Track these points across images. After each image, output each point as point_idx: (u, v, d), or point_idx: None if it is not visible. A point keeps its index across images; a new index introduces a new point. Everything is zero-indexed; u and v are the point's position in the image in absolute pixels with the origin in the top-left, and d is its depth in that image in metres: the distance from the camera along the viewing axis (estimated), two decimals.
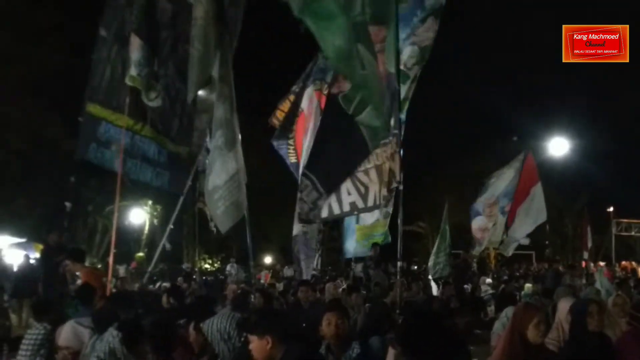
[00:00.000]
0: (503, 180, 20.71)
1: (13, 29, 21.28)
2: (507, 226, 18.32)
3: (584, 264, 29.26)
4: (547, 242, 38.25)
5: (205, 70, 8.73)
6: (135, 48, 9.86)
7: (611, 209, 34.68)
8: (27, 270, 16.76)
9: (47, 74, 23.19)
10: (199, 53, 8.61)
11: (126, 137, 10.23)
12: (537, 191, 18.50)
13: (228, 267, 28.56)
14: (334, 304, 5.80)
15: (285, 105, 12.32)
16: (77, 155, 10.52)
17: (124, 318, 6.47)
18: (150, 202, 33.04)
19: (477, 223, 20.03)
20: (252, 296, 9.85)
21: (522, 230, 18.65)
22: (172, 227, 12.02)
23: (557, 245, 38.50)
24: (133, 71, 9.83)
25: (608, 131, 35.87)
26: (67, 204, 10.15)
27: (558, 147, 26.71)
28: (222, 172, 8.54)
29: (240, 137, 8.83)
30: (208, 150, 10.21)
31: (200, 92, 9.59)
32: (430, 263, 18.50)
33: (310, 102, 11.61)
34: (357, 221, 13.09)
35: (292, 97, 12.18)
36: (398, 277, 8.35)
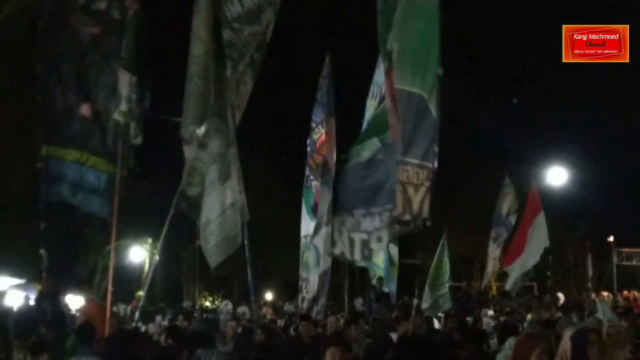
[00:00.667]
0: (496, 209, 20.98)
1: (12, 70, 21.44)
2: (508, 263, 18.49)
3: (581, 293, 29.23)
4: (548, 273, 38.12)
5: (203, 105, 8.80)
6: (125, 83, 9.88)
7: (611, 238, 34.62)
8: (26, 311, 16.70)
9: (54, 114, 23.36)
10: (198, 89, 8.69)
11: (75, 170, 10.21)
12: (540, 220, 18.66)
13: (221, 306, 28.43)
14: (337, 338, 5.66)
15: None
16: (41, 203, 10.46)
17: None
18: (150, 240, 32.98)
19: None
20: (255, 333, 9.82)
21: (529, 262, 18.78)
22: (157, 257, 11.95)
23: (559, 275, 38.31)
24: (123, 106, 9.85)
25: (607, 160, 35.99)
26: (42, 252, 10.07)
27: (556, 176, 26.75)
28: (215, 206, 8.57)
29: (238, 170, 8.86)
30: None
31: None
32: (427, 300, 18.32)
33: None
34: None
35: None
36: (413, 313, 8.43)
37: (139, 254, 33.23)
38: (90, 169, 10.29)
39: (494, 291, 31.38)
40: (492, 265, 22.54)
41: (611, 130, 36.75)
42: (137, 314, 13.55)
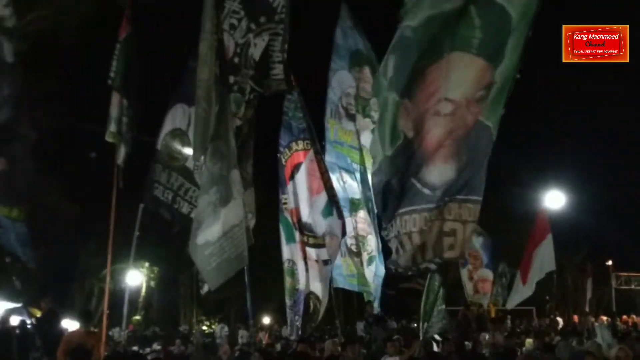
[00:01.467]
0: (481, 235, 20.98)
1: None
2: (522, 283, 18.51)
3: (575, 318, 29.14)
4: (547, 297, 37.97)
5: (209, 129, 8.80)
6: (115, 105, 9.89)
7: (610, 262, 34.58)
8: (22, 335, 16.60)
9: (47, 139, 23.34)
10: (205, 113, 8.70)
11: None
12: (547, 242, 18.71)
13: (217, 330, 28.27)
14: None
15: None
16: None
17: None
18: (147, 264, 32.89)
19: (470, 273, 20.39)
20: (252, 356, 9.76)
21: (533, 282, 18.79)
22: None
23: (557, 299, 38.18)
24: (113, 127, 9.86)
25: (605, 184, 36.10)
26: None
27: (554, 200, 26.74)
28: (215, 228, 8.53)
29: (241, 193, 8.86)
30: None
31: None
32: (422, 324, 18.22)
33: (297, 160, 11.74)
34: (343, 254, 12.90)
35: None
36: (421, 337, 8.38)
37: (135, 278, 33.07)
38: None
39: (492, 314, 31.25)
40: (470, 289, 22.55)
41: (610, 154, 36.91)
42: (123, 338, 13.47)
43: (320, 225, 11.25)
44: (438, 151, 7.16)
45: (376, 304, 13.87)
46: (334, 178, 12.22)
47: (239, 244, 8.66)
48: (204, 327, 38.52)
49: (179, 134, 10.60)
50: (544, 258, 18.62)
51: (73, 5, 20.39)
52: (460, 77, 7.10)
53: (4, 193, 9.53)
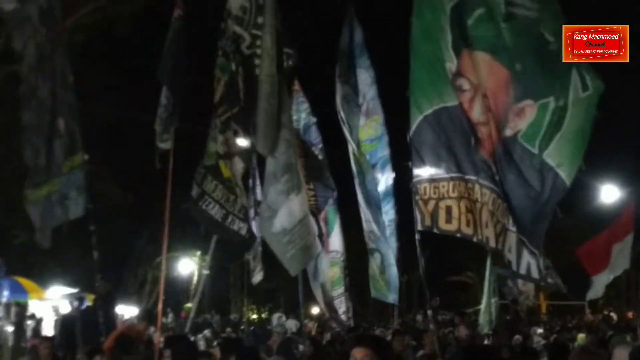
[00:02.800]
0: None
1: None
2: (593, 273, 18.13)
3: (629, 314, 28.52)
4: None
5: (276, 122, 8.92)
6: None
7: None
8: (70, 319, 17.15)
9: (100, 129, 23.89)
10: (272, 108, 8.79)
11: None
12: (629, 239, 18.36)
13: (273, 318, 28.51)
14: (362, 338, 4.46)
15: None
16: (42, 244, 10.33)
17: None
18: (198, 253, 33.39)
19: None
20: (301, 346, 9.87)
21: (604, 278, 18.47)
22: (206, 272, 12.00)
23: (611, 295, 37.49)
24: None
25: None
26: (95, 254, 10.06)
27: (609, 194, 26.20)
28: (289, 216, 8.61)
29: (304, 182, 9.00)
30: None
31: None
32: (481, 319, 18.26)
33: None
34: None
35: None
36: (431, 326, 8.38)
37: (187, 266, 33.62)
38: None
39: (543, 310, 30.92)
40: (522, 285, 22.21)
41: None
42: (188, 326, 13.68)
43: None
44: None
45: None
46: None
47: (311, 232, 8.79)
48: (254, 316, 39.03)
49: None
50: (620, 256, 18.23)
51: None
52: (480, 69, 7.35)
53: (69, 146, 9.81)
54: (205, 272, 11.73)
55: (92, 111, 24.01)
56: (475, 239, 7.28)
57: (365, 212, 11.95)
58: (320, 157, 12.24)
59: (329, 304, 12.11)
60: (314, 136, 12.41)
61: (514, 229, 7.19)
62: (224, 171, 10.27)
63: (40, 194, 9.70)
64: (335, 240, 12.39)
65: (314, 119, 12.62)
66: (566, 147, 7.06)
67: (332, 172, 11.48)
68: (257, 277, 11.64)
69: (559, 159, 7.02)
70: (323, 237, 12.10)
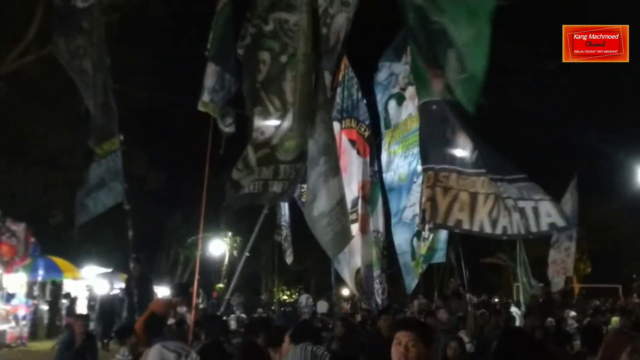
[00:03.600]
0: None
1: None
2: None
3: None
4: (634, 276, 36.86)
5: (315, 102, 8.93)
6: (210, 75, 9.96)
7: None
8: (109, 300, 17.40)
9: (133, 111, 24.11)
10: (309, 88, 8.80)
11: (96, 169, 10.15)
12: None
13: (301, 299, 28.68)
14: (408, 322, 4.37)
15: None
16: (78, 222, 10.42)
17: (206, 342, 6.68)
18: (230, 234, 33.62)
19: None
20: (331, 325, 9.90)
21: None
22: (247, 254, 12.05)
23: None
24: (205, 97, 9.93)
25: None
26: (130, 234, 10.22)
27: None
28: (328, 199, 8.63)
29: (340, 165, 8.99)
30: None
31: None
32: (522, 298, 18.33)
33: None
34: (413, 257, 12.84)
35: None
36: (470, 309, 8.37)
37: (219, 247, 33.87)
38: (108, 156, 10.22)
39: (576, 292, 30.64)
40: (553, 270, 21.88)
41: None
42: (222, 306, 13.81)
43: None
44: None
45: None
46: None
47: (347, 214, 8.79)
48: (285, 297, 39.29)
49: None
50: None
51: None
52: None
53: (101, 131, 9.94)
54: (247, 254, 11.66)
55: (124, 93, 24.27)
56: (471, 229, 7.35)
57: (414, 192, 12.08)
58: (366, 134, 12.27)
59: (361, 285, 12.12)
60: (362, 112, 12.38)
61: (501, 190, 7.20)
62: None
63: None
64: (377, 220, 12.39)
65: (361, 96, 12.59)
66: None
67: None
68: (289, 258, 11.72)
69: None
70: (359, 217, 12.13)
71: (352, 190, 11.79)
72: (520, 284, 17.04)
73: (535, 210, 6.92)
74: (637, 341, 4.57)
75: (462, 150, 7.52)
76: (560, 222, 6.89)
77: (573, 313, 20.09)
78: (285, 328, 8.39)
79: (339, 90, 12.24)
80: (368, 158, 12.32)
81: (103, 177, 10.00)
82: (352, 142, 12.17)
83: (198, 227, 11.19)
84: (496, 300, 32.65)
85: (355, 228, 11.59)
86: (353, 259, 12.08)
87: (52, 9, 11.08)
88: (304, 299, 26.76)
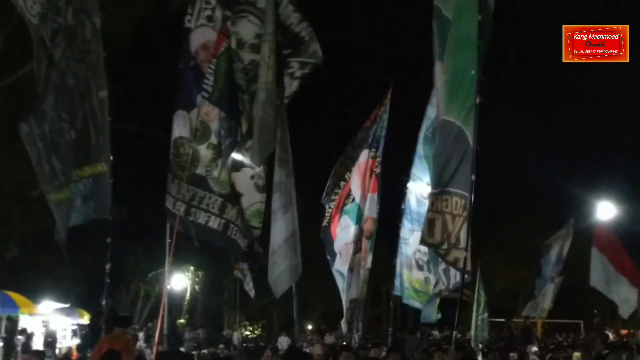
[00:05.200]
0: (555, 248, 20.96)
1: None
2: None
3: (624, 332, 28.51)
4: (595, 311, 37.16)
5: (272, 134, 8.85)
6: (214, 119, 9.84)
7: None
8: None
9: None
10: (269, 117, 8.75)
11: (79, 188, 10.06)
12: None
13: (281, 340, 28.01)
14: None
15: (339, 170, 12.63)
16: (59, 239, 10.26)
17: None
18: (192, 268, 33.16)
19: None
20: None
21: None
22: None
23: (607, 314, 37.37)
24: (214, 140, 9.82)
25: None
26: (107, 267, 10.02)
27: (605, 211, 26.16)
28: (277, 236, 8.60)
29: (295, 199, 8.92)
30: None
31: None
32: (471, 331, 18.41)
33: (363, 167, 11.93)
34: (408, 267, 12.88)
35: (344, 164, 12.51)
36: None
37: (180, 282, 33.35)
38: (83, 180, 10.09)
39: (538, 328, 30.78)
40: (546, 302, 22.42)
41: None
42: (186, 344, 13.56)
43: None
44: None
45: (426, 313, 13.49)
46: (414, 190, 12.39)
47: (298, 250, 8.72)
48: (247, 332, 38.75)
49: (184, 142, 10.34)
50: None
51: (126, 10, 20.71)
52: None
53: (85, 152, 9.76)
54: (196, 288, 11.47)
55: None
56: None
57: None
58: (378, 170, 12.43)
59: (351, 315, 12.12)
60: (381, 148, 12.52)
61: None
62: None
63: (62, 197, 9.67)
64: (371, 258, 12.48)
65: (386, 132, 12.70)
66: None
67: None
68: (252, 292, 11.51)
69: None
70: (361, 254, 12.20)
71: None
72: (478, 320, 17.11)
73: None
74: None
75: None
76: None
77: (535, 348, 20.16)
78: None
79: (379, 120, 12.38)
80: (376, 194, 12.38)
81: (87, 194, 9.84)
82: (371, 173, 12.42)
83: (160, 261, 11.00)
84: (459, 335, 32.62)
85: (357, 259, 11.64)
86: (351, 288, 12.03)
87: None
88: (284, 341, 26.18)
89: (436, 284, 11.59)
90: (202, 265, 31.96)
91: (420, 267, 12.38)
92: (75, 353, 20.56)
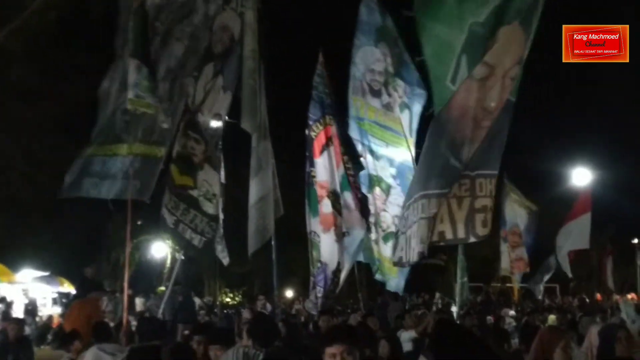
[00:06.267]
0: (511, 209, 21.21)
1: (40, 66, 21.65)
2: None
3: (599, 296, 29.07)
4: (571, 276, 37.73)
5: (258, 100, 8.91)
6: (133, 70, 9.84)
7: (636, 240, 34.24)
8: None
9: (73, 111, 23.53)
10: (255, 83, 8.82)
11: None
12: (585, 218, 18.95)
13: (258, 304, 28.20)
14: (339, 334, 3.92)
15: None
16: (64, 194, 10.32)
17: (136, 346, 6.62)
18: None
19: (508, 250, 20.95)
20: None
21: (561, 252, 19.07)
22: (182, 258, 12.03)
23: (582, 278, 37.98)
24: (131, 94, 9.81)
25: (632, 162, 35.70)
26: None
27: (581, 177, 26.50)
28: (250, 199, 8.73)
29: (273, 165, 8.99)
30: None
31: None
32: (456, 296, 18.66)
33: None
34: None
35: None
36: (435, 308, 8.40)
37: (161, 250, 33.33)
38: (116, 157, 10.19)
39: (515, 293, 31.25)
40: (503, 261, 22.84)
41: (636, 132, 36.34)
42: (161, 310, 13.64)
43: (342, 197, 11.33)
44: (465, 120, 7.10)
45: (394, 284, 13.51)
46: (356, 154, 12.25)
47: (266, 216, 8.80)
48: (227, 299, 38.94)
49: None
50: (578, 233, 18.80)
51: None
52: (503, 46, 7.12)
53: (149, 131, 9.95)
54: (181, 257, 11.54)
55: (66, 93, 23.68)
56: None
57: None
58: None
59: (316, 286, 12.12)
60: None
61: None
62: (175, 177, 10.19)
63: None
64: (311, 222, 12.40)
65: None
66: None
67: None
68: (225, 260, 11.56)
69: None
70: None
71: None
72: (458, 285, 17.31)
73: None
74: (568, 336, 4.69)
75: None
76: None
77: (512, 312, 20.51)
78: (229, 329, 8.35)
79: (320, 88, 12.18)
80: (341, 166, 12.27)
81: (128, 171, 9.87)
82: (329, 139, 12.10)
83: (140, 229, 11.06)
84: (438, 300, 33.07)
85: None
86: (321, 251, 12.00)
87: None
88: (261, 305, 26.42)
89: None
90: None
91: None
92: (56, 321, 20.63)
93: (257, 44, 9.01)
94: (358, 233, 11.26)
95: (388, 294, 16.96)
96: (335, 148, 11.42)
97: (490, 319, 16.08)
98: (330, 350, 3.70)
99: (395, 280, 12.59)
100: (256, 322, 6.15)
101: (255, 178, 8.87)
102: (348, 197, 11.16)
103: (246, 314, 11.94)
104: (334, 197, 11.36)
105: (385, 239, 12.32)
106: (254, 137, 9.03)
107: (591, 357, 5.61)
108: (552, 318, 15.96)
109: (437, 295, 26.13)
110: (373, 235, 12.31)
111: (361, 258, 12.80)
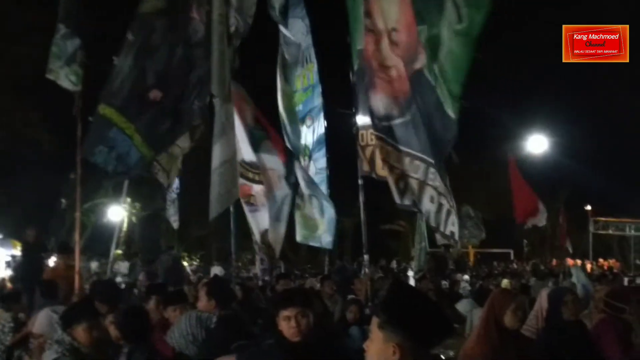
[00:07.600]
0: None
1: None
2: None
3: (555, 262, 29.73)
4: (525, 241, 38.51)
5: (227, 67, 8.83)
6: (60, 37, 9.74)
7: (589, 207, 35.00)
8: None
9: (29, 73, 22.96)
10: (223, 47, 8.76)
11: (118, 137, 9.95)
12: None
13: (213, 269, 28.10)
14: (293, 297, 3.96)
15: None
16: (84, 154, 10.02)
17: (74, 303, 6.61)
18: (129, 200, 32.77)
19: None
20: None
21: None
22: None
23: (536, 244, 38.78)
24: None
25: (586, 130, 36.23)
26: (63, 200, 10.04)
27: (536, 144, 26.91)
28: (213, 162, 8.69)
29: (234, 129, 8.94)
30: None
31: None
32: (414, 261, 18.88)
33: None
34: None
35: None
36: (366, 270, 8.57)
37: (117, 213, 32.97)
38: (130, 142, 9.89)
39: (470, 257, 31.80)
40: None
41: (592, 99, 36.83)
42: (108, 270, 13.58)
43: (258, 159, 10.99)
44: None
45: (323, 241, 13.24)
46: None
47: (230, 180, 8.74)
48: (185, 264, 38.83)
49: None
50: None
51: None
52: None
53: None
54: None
55: (19, 53, 23.09)
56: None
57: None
58: None
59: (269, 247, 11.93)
60: None
61: (414, 174, 7.28)
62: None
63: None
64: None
65: None
66: (445, 81, 6.88)
67: None
68: (175, 224, 11.50)
69: (442, 93, 6.95)
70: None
71: None
72: (416, 250, 17.56)
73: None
74: (519, 299, 4.77)
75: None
76: None
77: (466, 277, 20.87)
78: (181, 291, 8.33)
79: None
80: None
81: (116, 142, 9.55)
82: None
83: (95, 191, 10.91)
84: (395, 265, 33.49)
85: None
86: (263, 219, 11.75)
87: None
88: (217, 271, 26.32)
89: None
90: (139, 197, 31.61)
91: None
92: (9, 285, 20.32)
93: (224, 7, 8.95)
94: (280, 193, 10.93)
95: (342, 259, 17.13)
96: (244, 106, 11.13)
97: (445, 283, 16.32)
98: (284, 312, 3.77)
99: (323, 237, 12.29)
100: (212, 284, 6.14)
101: (219, 142, 8.77)
102: (266, 157, 10.81)
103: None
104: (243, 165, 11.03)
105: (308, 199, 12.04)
106: (216, 101, 8.95)
107: (541, 319, 5.73)
108: (505, 282, 16.28)
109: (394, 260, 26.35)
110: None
111: None
